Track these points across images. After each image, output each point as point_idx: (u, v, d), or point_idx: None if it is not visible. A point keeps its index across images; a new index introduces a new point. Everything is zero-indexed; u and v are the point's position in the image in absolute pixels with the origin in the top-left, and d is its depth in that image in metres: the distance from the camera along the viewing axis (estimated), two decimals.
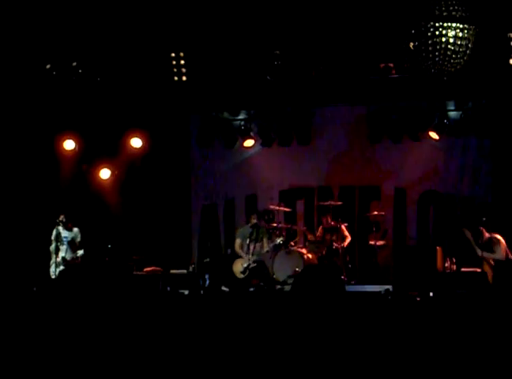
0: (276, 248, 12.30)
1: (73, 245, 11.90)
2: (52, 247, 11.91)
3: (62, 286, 5.29)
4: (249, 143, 13.73)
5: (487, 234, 10.83)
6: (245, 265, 11.63)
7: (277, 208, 13.08)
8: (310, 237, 12.98)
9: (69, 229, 11.95)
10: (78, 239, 12.03)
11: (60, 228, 11.87)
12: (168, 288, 10.65)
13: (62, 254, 11.83)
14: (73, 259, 11.86)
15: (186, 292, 9.31)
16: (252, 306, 4.23)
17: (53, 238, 11.93)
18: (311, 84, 12.79)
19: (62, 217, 11.84)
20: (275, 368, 3.49)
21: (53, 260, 11.85)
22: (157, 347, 4.09)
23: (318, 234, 13.08)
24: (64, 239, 11.85)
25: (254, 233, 11.74)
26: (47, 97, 12.88)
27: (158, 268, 12.92)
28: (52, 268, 11.73)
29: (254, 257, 11.62)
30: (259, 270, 11.75)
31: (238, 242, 11.90)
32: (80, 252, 11.91)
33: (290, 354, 3.56)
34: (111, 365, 3.97)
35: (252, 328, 3.90)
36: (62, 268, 11.65)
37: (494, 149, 13.02)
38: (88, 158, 13.87)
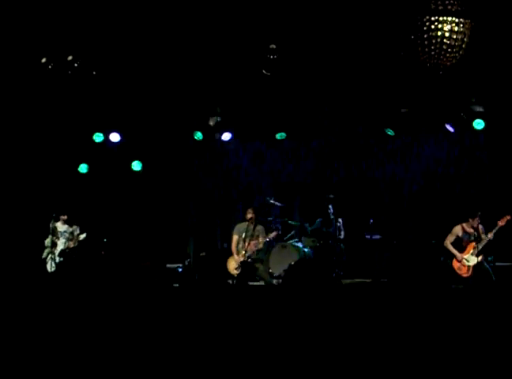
0: (270, 244, 12.31)
1: (71, 239, 11.89)
2: (48, 241, 11.91)
3: (59, 278, 5.30)
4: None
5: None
6: (239, 262, 11.58)
7: (272, 202, 13.11)
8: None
9: (70, 225, 11.98)
10: (77, 232, 12.01)
11: (58, 224, 11.88)
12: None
13: (59, 248, 11.82)
14: (74, 244, 11.84)
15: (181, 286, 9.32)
16: (244, 301, 4.24)
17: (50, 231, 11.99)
18: (308, 79, 12.78)
19: (65, 217, 11.88)
20: (267, 363, 3.50)
21: (45, 253, 11.86)
22: (153, 341, 4.09)
23: (315, 226, 13.09)
24: (64, 233, 11.87)
25: (250, 229, 11.67)
26: (42, 91, 12.86)
27: (154, 263, 12.94)
28: (49, 263, 11.72)
29: (248, 254, 11.55)
30: (252, 267, 11.68)
31: (235, 238, 11.81)
32: (83, 235, 11.91)
33: (283, 349, 3.57)
34: (107, 361, 3.98)
35: (245, 322, 3.91)
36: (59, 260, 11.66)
37: (490, 144, 13.05)
38: (83, 152, 13.89)
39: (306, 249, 12.59)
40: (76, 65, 12.32)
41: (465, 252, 10.86)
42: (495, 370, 3.70)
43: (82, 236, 11.91)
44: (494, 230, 10.71)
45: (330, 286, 3.25)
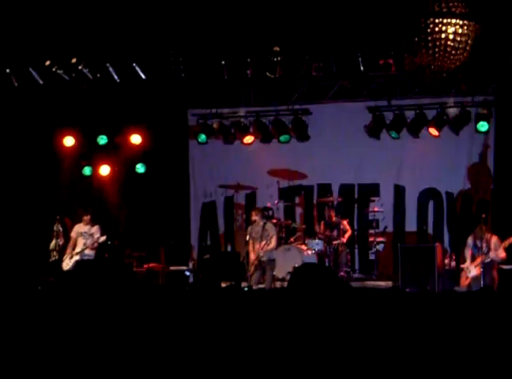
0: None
1: (91, 240, 11.92)
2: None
3: (75, 277, 5.29)
4: (248, 139, 13.74)
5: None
6: (254, 264, 11.46)
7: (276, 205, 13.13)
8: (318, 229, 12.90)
9: (92, 226, 12.01)
10: (97, 235, 12.02)
11: (81, 224, 11.94)
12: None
13: (79, 249, 11.86)
14: (93, 245, 11.87)
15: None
16: (249, 303, 4.22)
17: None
18: (310, 80, 12.78)
19: (88, 217, 11.92)
20: (270, 366, 3.48)
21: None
22: (155, 343, 4.08)
23: (319, 230, 13.05)
24: (84, 234, 11.91)
25: (258, 230, 11.60)
26: (46, 93, 12.89)
27: (158, 265, 12.96)
28: (66, 261, 11.77)
29: (260, 255, 11.44)
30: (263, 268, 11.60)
31: (249, 240, 11.70)
32: (103, 238, 11.92)
33: (287, 353, 3.55)
34: (111, 364, 3.97)
35: (248, 325, 3.89)
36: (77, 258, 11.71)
37: (495, 146, 13.01)
38: (87, 154, 13.93)
39: (310, 252, 12.57)
40: (80, 67, 12.36)
41: (473, 262, 10.82)
42: (496, 374, 3.69)
43: (102, 238, 11.94)
44: (497, 251, 10.67)
45: (337, 289, 3.23)
